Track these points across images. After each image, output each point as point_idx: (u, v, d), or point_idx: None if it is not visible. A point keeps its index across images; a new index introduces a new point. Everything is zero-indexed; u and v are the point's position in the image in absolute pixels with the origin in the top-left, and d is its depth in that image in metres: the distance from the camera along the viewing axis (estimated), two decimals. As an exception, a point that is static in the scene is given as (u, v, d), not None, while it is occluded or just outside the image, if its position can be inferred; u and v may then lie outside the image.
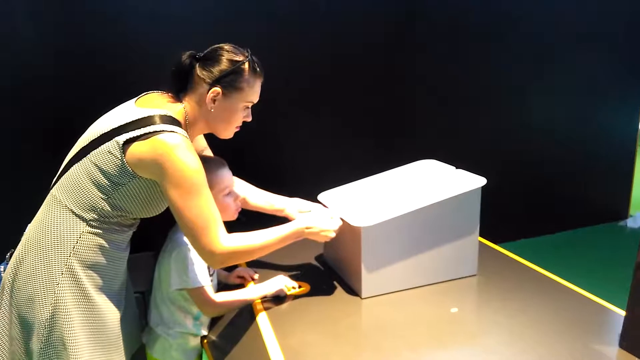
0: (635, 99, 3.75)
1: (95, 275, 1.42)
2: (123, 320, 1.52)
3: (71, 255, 1.38)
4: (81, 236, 1.39)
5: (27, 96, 2.22)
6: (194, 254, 1.53)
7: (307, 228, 1.55)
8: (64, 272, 1.37)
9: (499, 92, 3.26)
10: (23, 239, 1.46)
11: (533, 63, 3.29)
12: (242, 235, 1.44)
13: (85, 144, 1.41)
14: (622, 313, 1.47)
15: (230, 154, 1.73)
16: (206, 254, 1.38)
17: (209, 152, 1.77)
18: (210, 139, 1.54)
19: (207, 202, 1.36)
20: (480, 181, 1.70)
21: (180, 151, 1.32)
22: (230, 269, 1.85)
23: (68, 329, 1.38)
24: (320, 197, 1.84)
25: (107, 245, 1.42)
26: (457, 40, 3.01)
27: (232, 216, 1.65)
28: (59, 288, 1.37)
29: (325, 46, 2.67)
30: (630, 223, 3.88)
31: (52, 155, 1.66)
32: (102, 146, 1.36)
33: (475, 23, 3.03)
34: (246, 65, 1.44)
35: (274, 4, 2.50)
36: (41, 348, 1.38)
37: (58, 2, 2.16)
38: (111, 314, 1.46)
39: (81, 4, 2.19)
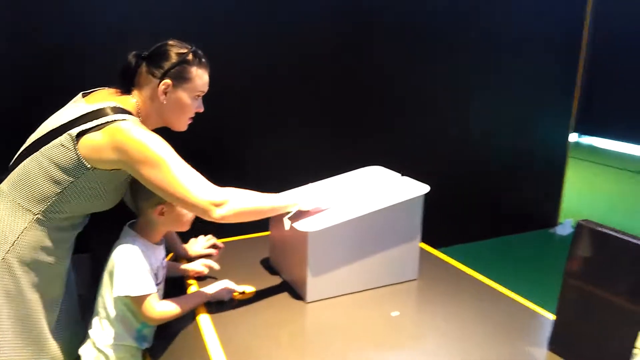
0: (568, 108, 3.91)
1: (33, 273, 1.41)
2: (60, 323, 1.50)
3: (10, 250, 1.37)
4: (24, 232, 1.37)
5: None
6: (139, 260, 1.49)
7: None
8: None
9: (440, 96, 3.28)
10: None
11: (472, 68, 3.35)
12: (238, 190, 1.45)
13: (34, 140, 1.40)
14: (552, 317, 1.56)
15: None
16: (200, 210, 1.37)
17: None
18: (182, 139, 1.57)
19: (179, 165, 1.37)
20: (423, 189, 1.76)
21: (135, 131, 1.36)
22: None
23: None
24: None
25: (49, 244, 1.41)
26: (396, 43, 3.01)
27: (186, 226, 1.64)
28: None
29: (270, 46, 2.66)
30: (560, 230, 4.04)
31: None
32: (54, 140, 1.36)
33: (414, 25, 3.04)
34: (192, 57, 1.51)
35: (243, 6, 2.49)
36: None
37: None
38: (43, 314, 1.45)
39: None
